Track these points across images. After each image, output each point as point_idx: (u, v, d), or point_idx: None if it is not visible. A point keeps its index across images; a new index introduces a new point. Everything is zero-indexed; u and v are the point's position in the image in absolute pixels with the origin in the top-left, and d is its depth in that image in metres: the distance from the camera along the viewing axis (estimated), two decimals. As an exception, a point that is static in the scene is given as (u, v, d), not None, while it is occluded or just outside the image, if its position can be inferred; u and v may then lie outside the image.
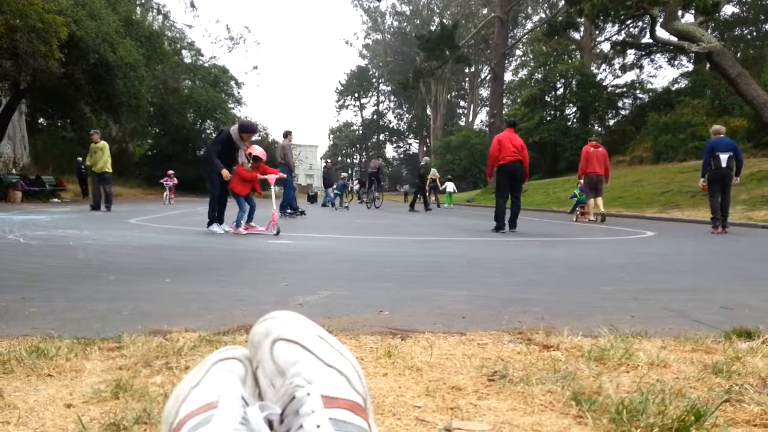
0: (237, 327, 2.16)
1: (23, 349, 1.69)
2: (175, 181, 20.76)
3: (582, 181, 12.96)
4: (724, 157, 9.86)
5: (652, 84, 38.31)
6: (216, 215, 7.74)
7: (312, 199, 26.70)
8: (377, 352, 1.78)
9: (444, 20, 46.34)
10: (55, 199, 19.16)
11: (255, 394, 0.78)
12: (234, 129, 7.67)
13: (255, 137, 8.11)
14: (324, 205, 21.43)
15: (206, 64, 39.00)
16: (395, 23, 63.70)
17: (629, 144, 29.46)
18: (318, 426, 0.68)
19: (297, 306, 2.79)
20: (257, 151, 7.65)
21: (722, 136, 10.15)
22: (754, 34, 37.63)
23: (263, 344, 0.80)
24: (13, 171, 21.21)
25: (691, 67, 33.83)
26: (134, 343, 1.83)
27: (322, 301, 2.95)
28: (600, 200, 12.50)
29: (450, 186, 26.96)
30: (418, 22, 56.82)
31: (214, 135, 37.48)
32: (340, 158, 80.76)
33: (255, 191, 8.13)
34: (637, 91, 35.73)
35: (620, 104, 35.89)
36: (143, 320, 2.29)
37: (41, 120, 28.62)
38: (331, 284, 3.54)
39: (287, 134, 13.03)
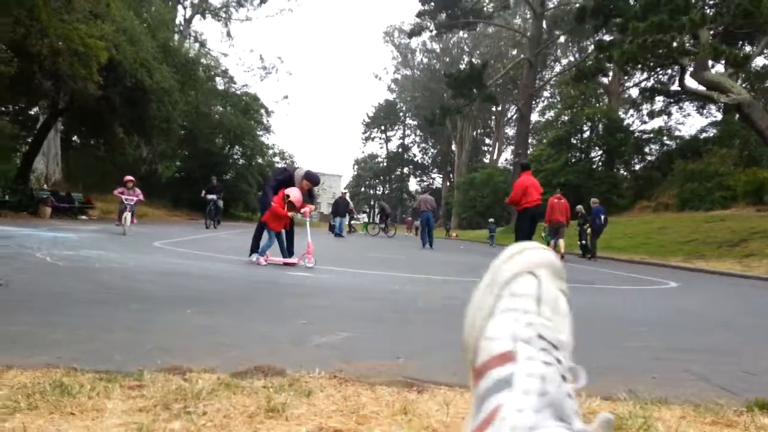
0: (254, 368, 2.18)
1: (47, 383, 1.73)
2: (140, 195, 12.87)
3: (547, 226, 16.25)
4: None
5: (679, 131, 38.16)
6: (257, 244, 7.98)
7: (333, 228, 26.83)
8: (393, 406, 1.78)
9: (473, 59, 46.85)
10: (83, 216, 19.52)
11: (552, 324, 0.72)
12: (299, 173, 8.19)
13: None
14: (337, 234, 21.73)
15: (238, 92, 39.74)
16: (425, 60, 64.47)
17: (655, 190, 29.20)
18: None
19: (314, 347, 2.80)
20: (294, 196, 7.80)
21: None
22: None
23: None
24: (45, 186, 21.69)
25: (719, 116, 33.60)
26: (154, 383, 1.86)
27: (339, 343, 2.96)
28: (561, 242, 15.69)
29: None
30: (447, 59, 57.42)
31: (241, 161, 38.39)
32: (363, 189, 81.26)
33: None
34: (665, 138, 35.50)
35: (647, 150, 35.63)
36: (163, 355, 2.32)
37: (75, 138, 29.37)
38: (349, 324, 3.55)
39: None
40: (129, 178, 12.91)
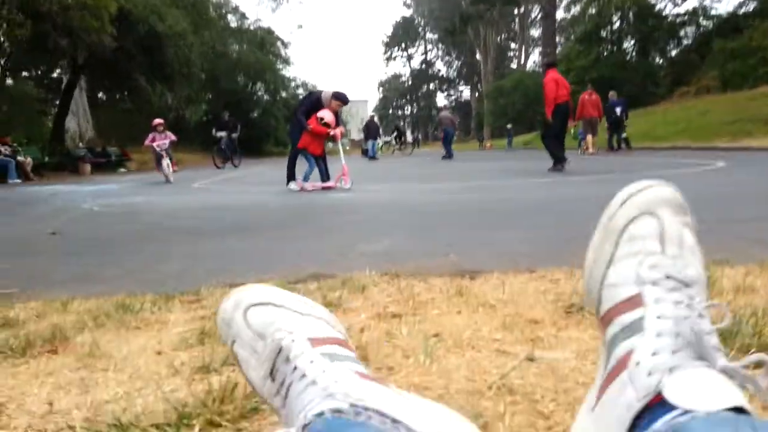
0: (307, 276, 2.21)
1: (110, 305, 1.78)
2: (172, 136, 11.99)
3: (580, 123, 16.29)
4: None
5: (716, 9, 35.92)
6: (293, 173, 8.05)
7: (366, 152, 26.75)
8: (448, 292, 1.77)
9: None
10: (122, 169, 19.87)
11: (679, 261, 0.67)
12: (326, 94, 8.10)
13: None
14: (371, 157, 21.76)
15: (252, 27, 38.95)
16: (439, -33, 61.72)
17: (694, 74, 27.87)
18: (312, 361, 0.67)
19: (359, 255, 2.81)
20: (329, 117, 7.80)
21: None
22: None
23: (235, 317, 0.77)
24: (80, 145, 22.04)
25: (761, -14, 31.40)
26: (212, 295, 1.90)
27: (384, 249, 2.97)
28: (594, 138, 16.15)
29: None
30: (462, -36, 54.80)
31: (266, 97, 38.10)
32: (391, 111, 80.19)
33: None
34: (701, 18, 33.51)
35: (682, 33, 33.75)
36: (217, 276, 2.36)
37: (100, 94, 29.49)
38: (392, 233, 3.55)
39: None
40: (158, 121, 12.04)
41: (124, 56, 19.41)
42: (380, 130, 25.49)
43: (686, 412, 0.52)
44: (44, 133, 20.72)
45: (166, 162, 11.17)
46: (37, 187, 11.71)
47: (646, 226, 0.69)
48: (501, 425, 0.85)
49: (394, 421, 0.59)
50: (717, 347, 0.58)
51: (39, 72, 25.68)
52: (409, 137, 39.52)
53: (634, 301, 0.64)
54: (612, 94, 17.04)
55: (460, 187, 7.30)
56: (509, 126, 31.71)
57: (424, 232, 3.64)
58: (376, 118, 26.75)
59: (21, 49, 19.21)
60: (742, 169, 7.87)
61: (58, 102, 22.67)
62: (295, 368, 0.67)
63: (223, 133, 18.40)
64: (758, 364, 0.56)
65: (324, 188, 7.70)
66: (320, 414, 0.59)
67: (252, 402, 0.95)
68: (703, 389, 0.54)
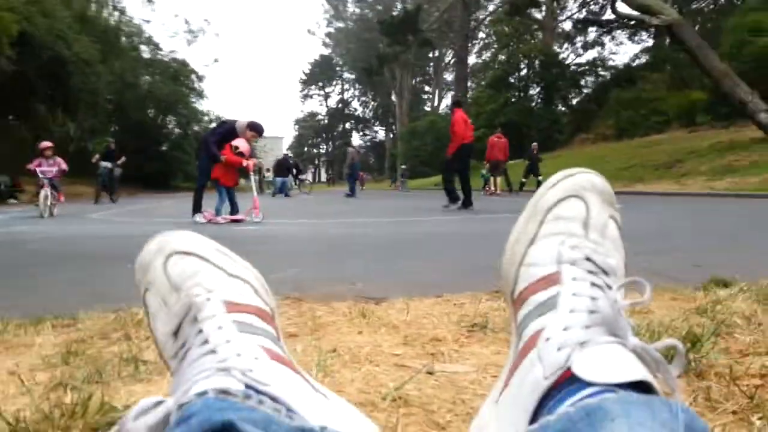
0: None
1: (-33, 330, 1.56)
2: (63, 165, 10.32)
3: (487, 164, 17.21)
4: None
5: (614, 61, 38.87)
6: (199, 205, 7.69)
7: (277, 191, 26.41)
8: (351, 314, 1.69)
9: (406, 5, 46.11)
10: (12, 200, 18.54)
11: (603, 238, 0.66)
12: (241, 124, 7.73)
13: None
14: (274, 194, 21.30)
15: (165, 59, 38.07)
16: (357, 10, 63.19)
17: (593, 121, 29.79)
18: (219, 327, 0.59)
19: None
20: (243, 146, 7.63)
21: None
22: (712, 6, 38.29)
23: (155, 262, 0.68)
24: (-34, 173, 20.43)
25: (651, 42, 34.32)
26: (90, 318, 1.71)
27: (290, 278, 2.86)
28: (500, 179, 16.95)
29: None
30: (380, 8, 56.39)
31: (177, 130, 37.06)
32: (306, 148, 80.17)
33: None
34: (599, 69, 36.17)
35: (583, 82, 36.22)
36: (102, 301, 2.15)
37: (-5, 121, 27.68)
38: (299, 263, 3.45)
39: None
40: (45, 144, 10.23)
41: (23, 81, 18.36)
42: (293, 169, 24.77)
43: (597, 392, 0.47)
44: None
45: (44, 193, 9.26)
46: None
47: (572, 209, 0.67)
48: (392, 437, 0.77)
49: (289, 409, 0.52)
50: (630, 326, 0.55)
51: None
52: (309, 176, 38.70)
53: (551, 279, 0.61)
54: (534, 145, 18.53)
55: (370, 222, 7.29)
56: (403, 166, 33.06)
57: (331, 263, 3.56)
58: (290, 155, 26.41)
59: None
60: (633, 210, 8.36)
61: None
62: (200, 331, 0.60)
63: (107, 164, 16.36)
64: (669, 352, 0.52)
65: (233, 221, 7.46)
66: (203, 393, 0.50)
67: (108, 416, 0.83)
68: (614, 364, 0.50)
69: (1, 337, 1.47)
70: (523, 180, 17.47)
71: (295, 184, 26.94)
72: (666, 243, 4.31)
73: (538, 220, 0.68)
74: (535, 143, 17.73)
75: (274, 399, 0.52)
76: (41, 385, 1.04)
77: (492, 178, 17.16)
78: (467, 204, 9.34)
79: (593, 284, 0.59)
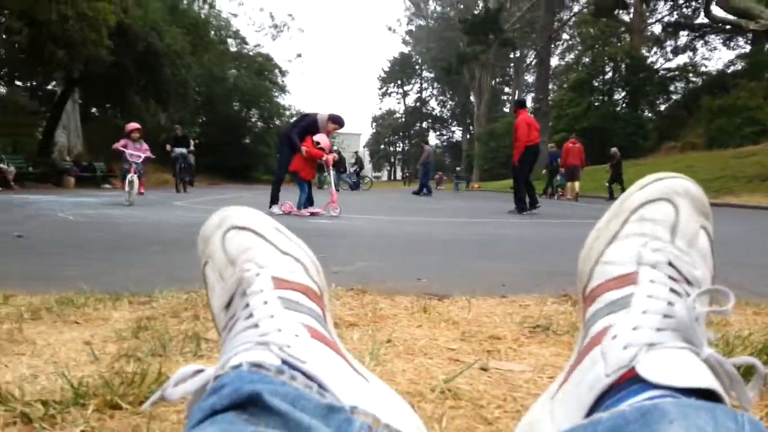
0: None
1: (53, 299, 1.68)
2: (147, 151, 9.65)
3: (563, 170, 17.35)
4: None
5: (706, 67, 36.75)
6: (277, 196, 7.88)
7: (354, 186, 26.70)
8: (412, 309, 1.70)
9: (488, 4, 45.53)
10: (107, 185, 19.71)
11: (689, 243, 0.63)
12: (322, 116, 7.86)
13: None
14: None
15: (251, 53, 39.29)
16: (438, 8, 62.87)
17: (681, 129, 28.38)
18: (265, 302, 0.61)
19: (332, 274, 2.72)
20: (325, 142, 7.68)
21: None
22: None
23: (214, 236, 0.71)
24: (67, 158, 21.88)
25: (748, 48, 32.30)
26: (165, 298, 1.80)
27: (358, 270, 2.89)
28: (577, 184, 16.67)
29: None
30: (461, 6, 55.84)
31: (259, 124, 38.19)
32: (382, 146, 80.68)
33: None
34: (690, 75, 34.31)
35: (672, 88, 34.51)
36: (179, 282, 2.26)
37: (94, 109, 29.42)
38: (368, 256, 3.49)
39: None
40: (133, 125, 9.56)
41: (120, 72, 19.42)
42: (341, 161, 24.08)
43: (659, 396, 0.45)
44: (32, 144, 20.56)
45: (131, 178, 8.77)
46: (15, 196, 11.52)
47: (660, 211, 0.64)
48: (437, 426, 0.77)
49: (322, 386, 0.53)
50: (706, 336, 0.52)
51: (33, 83, 25.64)
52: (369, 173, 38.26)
53: (627, 279, 0.59)
54: (551, 146, 18.89)
55: (442, 221, 7.27)
56: (458, 169, 33.20)
57: (399, 259, 3.58)
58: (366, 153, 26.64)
59: (17, 58, 19.21)
60: (719, 223, 7.91)
61: (48, 114, 22.57)
62: (246, 305, 0.62)
63: (182, 150, 15.59)
64: (747, 371, 0.49)
65: (311, 214, 7.61)
66: (238, 366, 0.52)
67: (163, 386, 0.86)
68: (682, 369, 0.47)
69: (82, 311, 1.56)
70: (608, 184, 16.88)
71: (359, 179, 26.66)
72: (752, 256, 4.06)
73: (621, 219, 0.65)
74: (614, 149, 17.05)
75: (308, 376, 0.53)
76: (109, 356, 1.11)
77: (569, 184, 17.16)
78: (534, 204, 9.18)
79: (672, 290, 0.56)
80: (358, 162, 26.96)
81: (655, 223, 0.63)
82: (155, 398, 0.53)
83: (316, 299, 0.67)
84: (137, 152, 9.25)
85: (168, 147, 15.47)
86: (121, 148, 9.17)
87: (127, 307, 1.66)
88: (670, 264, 0.58)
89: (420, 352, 1.14)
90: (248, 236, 0.69)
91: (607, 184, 16.84)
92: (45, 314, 1.52)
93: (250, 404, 0.46)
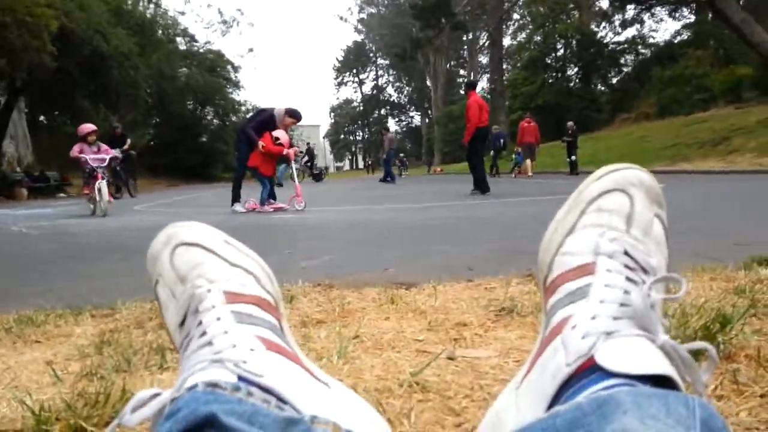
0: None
1: (12, 319, 1.63)
2: (111, 151, 8.89)
3: (519, 149, 17.91)
4: None
5: (654, 38, 37.56)
6: (238, 194, 7.79)
7: (317, 177, 26.54)
8: (380, 301, 1.70)
9: (438, -12, 45.51)
10: (61, 194, 19.17)
11: (646, 234, 0.64)
12: (279, 111, 7.74)
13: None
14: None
15: (201, 50, 38.60)
16: (389, -5, 62.75)
17: (634, 101, 29.00)
18: (218, 318, 0.60)
19: (299, 270, 2.72)
20: (284, 137, 7.60)
21: None
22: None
23: (162, 254, 0.70)
24: (18, 169, 21.17)
25: (693, 18, 33.11)
26: (128, 309, 1.77)
27: (325, 264, 2.89)
28: (531, 162, 17.24)
29: None
30: (412, -8, 55.85)
31: (215, 121, 37.62)
32: (342, 136, 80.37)
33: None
34: (639, 47, 35.04)
35: (622, 61, 35.19)
36: (144, 292, 2.22)
37: (41, 117, 28.52)
38: (334, 249, 3.48)
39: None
40: (89, 127, 8.51)
41: (65, 77, 18.84)
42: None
43: (616, 385, 0.46)
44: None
45: (99, 185, 7.76)
46: (-34, 211, 11.11)
47: (615, 202, 0.65)
48: (406, 422, 0.78)
49: (280, 399, 0.53)
50: (661, 323, 0.53)
51: (-26, 94, 24.70)
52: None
53: (585, 269, 0.60)
54: (495, 128, 19.10)
55: (405, 207, 7.29)
56: (401, 155, 33.94)
57: (366, 249, 3.58)
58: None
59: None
60: (678, 189, 8.14)
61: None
62: (200, 323, 0.61)
63: (115, 152, 14.31)
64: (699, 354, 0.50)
65: (275, 209, 7.55)
66: (193, 387, 0.51)
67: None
68: (637, 356, 0.49)
69: (43, 329, 1.53)
70: (568, 159, 17.16)
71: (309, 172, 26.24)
72: (708, 222, 4.19)
73: (579, 210, 0.67)
74: (571, 122, 17.46)
75: (266, 390, 0.53)
76: (73, 375, 1.08)
77: (525, 162, 17.54)
78: (488, 190, 9.26)
79: (628, 279, 0.58)
80: (309, 153, 26.78)
81: (611, 214, 0.65)
82: (113, 426, 0.51)
83: (270, 310, 0.66)
84: (99, 155, 8.29)
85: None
86: (78, 155, 8.20)
87: (89, 321, 1.63)
88: (626, 253, 0.60)
89: (388, 346, 1.15)
90: (197, 252, 0.68)
91: (567, 160, 17.14)
92: (4, 335, 1.48)
93: (207, 426, 0.46)
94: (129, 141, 14.92)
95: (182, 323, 0.64)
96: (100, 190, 7.72)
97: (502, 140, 19.30)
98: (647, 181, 0.67)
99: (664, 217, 0.68)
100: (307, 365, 0.62)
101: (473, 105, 9.23)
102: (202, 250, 0.68)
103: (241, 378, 0.53)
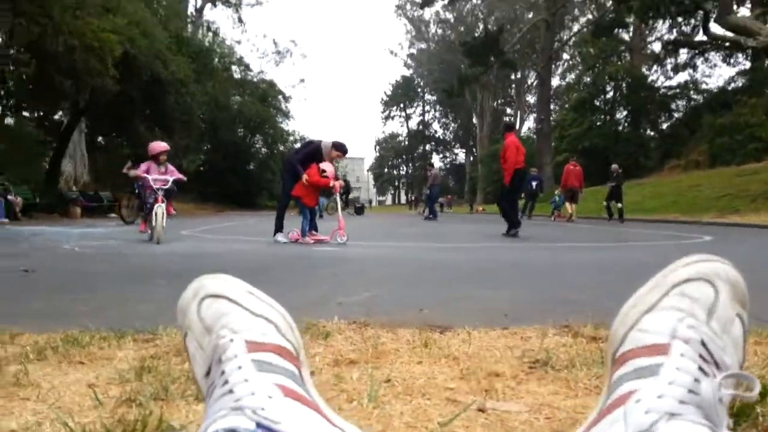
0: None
1: (59, 338, 1.70)
2: (176, 173, 7.96)
3: (561, 191, 17.82)
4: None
5: (707, 84, 36.78)
6: (281, 225, 7.84)
7: (359, 210, 26.73)
8: (413, 343, 1.71)
9: (488, 26, 45.97)
10: (113, 215, 19.80)
11: (724, 328, 0.65)
12: (326, 144, 7.82)
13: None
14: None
15: (254, 79, 39.78)
16: (439, 31, 63.50)
17: (683, 148, 28.39)
18: (239, 367, 0.63)
19: (336, 305, 2.74)
20: (330, 170, 7.69)
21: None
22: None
23: (191, 307, 0.74)
24: (74, 188, 22.02)
25: (748, 64, 32.43)
26: (168, 334, 1.82)
27: (362, 301, 2.91)
28: (574, 206, 16.91)
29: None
30: (462, 29, 56.37)
31: (263, 150, 38.43)
32: (386, 170, 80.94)
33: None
34: (691, 92, 34.43)
35: (673, 106, 34.60)
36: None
37: (100, 138, 29.73)
38: (372, 286, 3.50)
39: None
40: (161, 146, 7.94)
41: (125, 101, 19.67)
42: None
43: None
44: (39, 175, 20.74)
45: (158, 209, 7.18)
46: (23, 227, 11.61)
47: (701, 291, 0.66)
48: (432, 475, 0.79)
49: None
50: (727, 419, 0.54)
51: (40, 113, 25.94)
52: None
53: (659, 349, 0.60)
54: (533, 170, 19.45)
55: (445, 246, 7.28)
56: (426, 192, 33.12)
57: (403, 287, 3.58)
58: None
59: (24, 89, 19.49)
60: (728, 243, 7.89)
61: (55, 144, 22.82)
62: (222, 372, 0.64)
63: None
64: None
65: (315, 240, 7.60)
66: None
67: (164, 435, 0.89)
68: None
69: (87, 350, 1.59)
70: (606, 203, 16.80)
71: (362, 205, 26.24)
72: (756, 279, 4.03)
73: (662, 291, 0.67)
74: (615, 165, 17.01)
75: None
76: (113, 399, 1.13)
77: (566, 205, 17.37)
78: (513, 230, 9.14)
79: (700, 368, 0.58)
80: (346, 186, 27.00)
81: (693, 302, 0.65)
82: None
83: (290, 358, 0.69)
84: (164, 176, 7.70)
85: (129, 165, 13.02)
86: (142, 174, 7.66)
87: (131, 345, 1.68)
88: (703, 343, 0.60)
89: (418, 393, 1.16)
90: (222, 303, 0.72)
91: (605, 203, 16.83)
92: (50, 354, 1.54)
93: None
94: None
95: (208, 373, 0.66)
96: (159, 214, 7.16)
97: (535, 183, 19.14)
98: (735, 279, 0.67)
99: (746, 318, 0.68)
100: (326, 413, 0.64)
101: (510, 146, 9.29)
102: (227, 302, 0.72)
103: (259, 425, 0.56)
